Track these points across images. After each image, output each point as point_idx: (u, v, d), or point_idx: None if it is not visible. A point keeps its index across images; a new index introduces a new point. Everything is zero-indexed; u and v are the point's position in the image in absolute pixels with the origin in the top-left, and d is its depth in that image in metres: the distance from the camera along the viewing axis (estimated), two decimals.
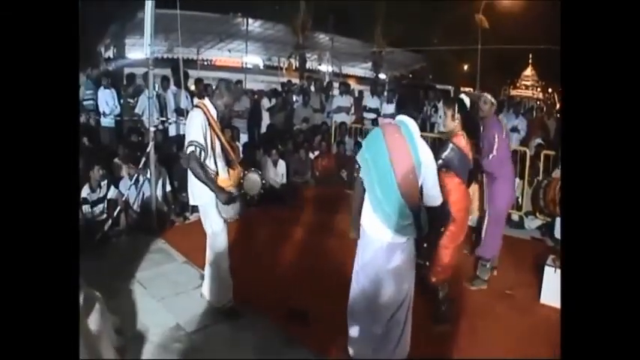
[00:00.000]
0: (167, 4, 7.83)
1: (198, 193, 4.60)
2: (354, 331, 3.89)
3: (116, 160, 7.93)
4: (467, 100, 4.92)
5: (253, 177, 4.88)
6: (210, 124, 4.51)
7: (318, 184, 10.44)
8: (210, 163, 4.54)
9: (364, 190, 3.73)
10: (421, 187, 3.62)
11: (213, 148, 4.54)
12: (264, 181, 4.89)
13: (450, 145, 4.65)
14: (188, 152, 4.40)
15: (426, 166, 3.61)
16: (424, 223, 3.71)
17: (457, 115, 4.70)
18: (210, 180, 4.45)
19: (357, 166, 3.83)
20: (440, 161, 4.39)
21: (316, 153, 11.04)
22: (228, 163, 4.77)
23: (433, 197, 3.70)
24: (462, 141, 4.68)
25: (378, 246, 3.68)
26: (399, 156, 3.57)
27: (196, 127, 4.43)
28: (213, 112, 4.60)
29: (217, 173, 4.60)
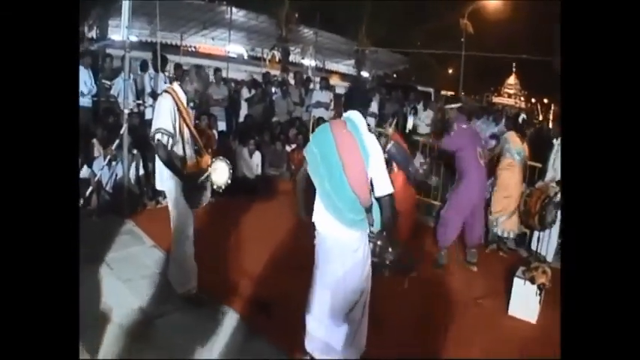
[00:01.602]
0: None
1: (165, 178, 4.60)
2: (311, 327, 3.93)
3: (94, 140, 7.90)
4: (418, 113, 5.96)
5: (221, 166, 4.72)
6: (179, 109, 4.49)
7: (293, 177, 10.45)
8: (178, 149, 4.53)
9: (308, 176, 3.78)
10: (371, 179, 3.63)
11: (181, 134, 4.53)
12: (231, 171, 4.75)
13: (392, 141, 5.21)
14: (155, 140, 4.38)
15: (374, 157, 3.61)
16: (376, 216, 3.72)
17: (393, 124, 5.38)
18: (175, 167, 4.46)
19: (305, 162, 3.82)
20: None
21: (293, 146, 11.08)
22: (197, 151, 4.76)
23: (384, 186, 3.64)
24: (397, 136, 5.38)
25: (332, 243, 3.72)
26: (347, 150, 3.59)
27: (165, 113, 4.41)
28: (183, 98, 4.59)
29: (185, 160, 4.59)
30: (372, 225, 3.72)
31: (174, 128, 4.44)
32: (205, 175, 4.62)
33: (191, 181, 4.53)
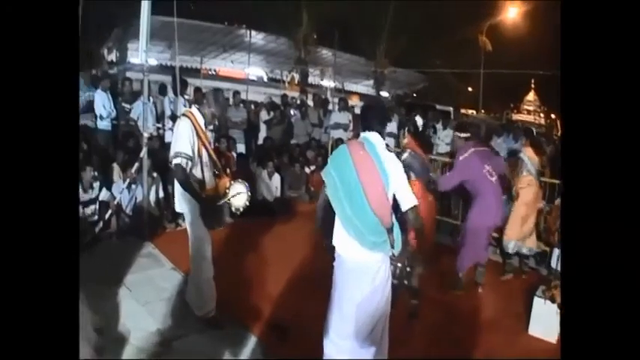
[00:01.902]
0: (172, 11, 7.93)
1: (183, 200, 4.63)
2: (329, 350, 3.87)
3: (114, 164, 8.00)
4: (419, 122, 5.63)
5: (240, 188, 4.73)
6: (197, 132, 4.54)
7: (312, 199, 10.42)
8: (196, 172, 4.57)
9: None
10: (394, 196, 3.61)
11: (200, 157, 4.57)
12: (249, 193, 4.75)
13: (408, 150, 5.11)
14: (174, 163, 4.43)
15: (394, 175, 3.58)
16: (397, 237, 3.68)
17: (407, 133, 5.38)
18: (193, 190, 4.48)
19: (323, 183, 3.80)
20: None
21: (312, 168, 11.11)
22: (216, 173, 4.79)
23: (408, 199, 3.61)
24: (413, 144, 5.23)
25: (353, 266, 3.66)
26: (366, 172, 3.57)
27: (183, 137, 4.46)
28: (201, 121, 4.64)
29: (204, 183, 4.62)
30: (393, 247, 3.66)
31: (193, 151, 4.48)
32: (224, 198, 4.64)
33: (209, 203, 4.55)
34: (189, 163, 4.46)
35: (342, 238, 3.70)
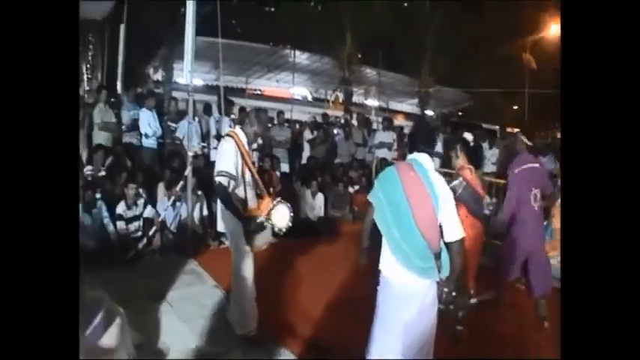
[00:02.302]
0: (216, 32, 8.09)
1: (226, 219, 4.67)
2: None
3: (161, 183, 8.14)
4: (469, 137, 5.29)
5: (283, 209, 4.72)
6: (241, 152, 4.60)
7: (355, 219, 10.38)
8: (239, 191, 4.62)
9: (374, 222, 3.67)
10: (440, 224, 3.52)
11: (243, 177, 4.62)
12: (292, 214, 4.76)
13: (459, 178, 4.94)
14: (217, 182, 4.50)
15: (444, 201, 3.50)
16: (445, 262, 3.58)
17: (460, 152, 5.15)
18: (236, 209, 4.52)
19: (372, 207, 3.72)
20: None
21: (356, 188, 11.08)
22: (258, 193, 4.83)
23: (454, 231, 3.53)
24: (468, 174, 5.00)
25: (398, 290, 3.59)
26: (416, 193, 3.50)
27: (226, 156, 4.53)
28: (245, 141, 4.70)
29: (246, 202, 4.66)
30: (440, 271, 3.58)
31: (236, 171, 4.53)
32: (266, 219, 4.64)
33: (251, 223, 4.58)
34: (232, 182, 4.51)
35: (388, 262, 3.63)
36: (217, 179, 4.48)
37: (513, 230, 5.62)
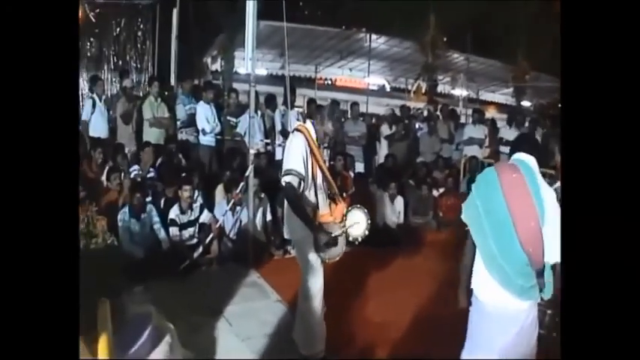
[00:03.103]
0: (281, 15, 8.12)
1: (293, 226, 4.63)
2: None
3: (219, 185, 8.24)
4: None
5: (359, 215, 4.69)
6: (311, 150, 4.54)
7: (440, 226, 10.24)
8: (310, 195, 4.58)
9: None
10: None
11: (313, 178, 4.57)
12: (369, 221, 4.70)
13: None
14: (285, 182, 4.46)
15: (551, 213, 3.30)
16: (548, 280, 3.41)
17: None
18: (306, 215, 4.47)
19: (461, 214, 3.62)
20: None
21: (441, 190, 10.93)
22: (331, 196, 4.79)
23: (556, 251, 3.26)
24: None
25: (494, 312, 3.47)
26: (519, 201, 3.33)
27: (296, 153, 4.47)
28: (315, 137, 4.65)
29: (317, 207, 4.62)
30: (542, 291, 3.43)
31: (306, 170, 4.49)
32: (340, 227, 4.59)
33: (323, 232, 4.51)
34: (302, 183, 4.48)
35: (482, 280, 3.53)
36: (285, 179, 4.46)
37: None
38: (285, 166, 4.51)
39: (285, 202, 4.62)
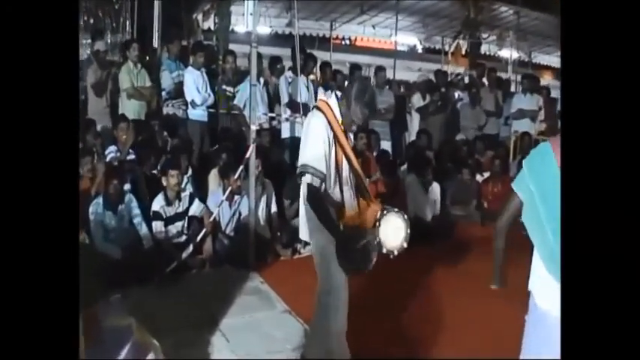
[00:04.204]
0: None
1: (314, 231, 4.51)
2: None
3: (213, 170, 8.21)
4: None
5: (396, 221, 4.48)
6: (335, 134, 4.39)
7: (485, 220, 10.15)
8: (333, 192, 4.47)
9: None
10: None
11: (338, 171, 4.45)
12: (409, 230, 4.47)
13: None
14: (304, 182, 4.34)
15: None
16: None
17: None
18: (330, 219, 4.35)
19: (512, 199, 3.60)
20: None
21: (486, 175, 10.92)
22: (361, 191, 4.66)
23: None
24: None
25: (555, 321, 3.47)
26: None
27: (315, 143, 4.34)
28: (339, 116, 4.47)
29: (343, 207, 4.48)
30: None
31: (328, 163, 4.35)
32: (373, 235, 4.37)
33: (350, 241, 4.38)
34: (323, 183, 4.34)
35: (540, 281, 3.48)
36: (304, 178, 4.34)
37: None
38: (302, 159, 4.38)
39: (302, 197, 4.48)
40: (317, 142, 4.34)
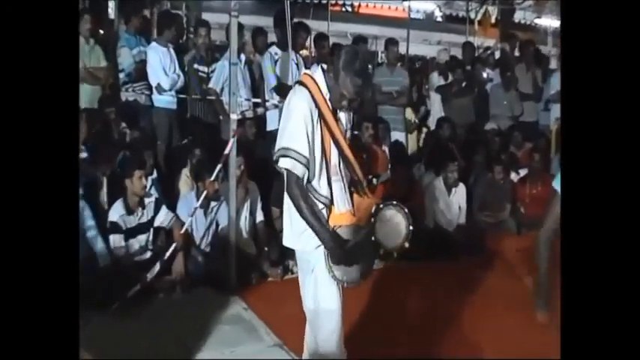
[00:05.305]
0: None
1: (297, 231, 4.51)
2: None
3: (184, 170, 8.21)
4: None
5: (394, 216, 4.50)
6: (321, 114, 4.37)
7: (522, 228, 10.24)
8: (319, 184, 4.43)
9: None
10: None
11: (325, 158, 4.42)
12: (411, 227, 4.44)
13: None
14: (282, 167, 4.30)
15: None
16: None
17: None
18: (315, 216, 4.31)
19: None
20: None
21: (523, 173, 10.94)
22: (355, 185, 4.65)
23: None
24: None
25: None
26: None
27: (296, 123, 4.30)
28: (328, 94, 4.43)
29: (332, 203, 4.45)
30: None
31: (312, 148, 4.31)
32: (366, 234, 4.40)
33: (342, 243, 4.37)
34: (307, 169, 4.31)
35: None
36: (282, 164, 4.29)
37: None
38: (280, 142, 4.34)
39: (285, 195, 4.44)
40: (298, 121, 4.29)
